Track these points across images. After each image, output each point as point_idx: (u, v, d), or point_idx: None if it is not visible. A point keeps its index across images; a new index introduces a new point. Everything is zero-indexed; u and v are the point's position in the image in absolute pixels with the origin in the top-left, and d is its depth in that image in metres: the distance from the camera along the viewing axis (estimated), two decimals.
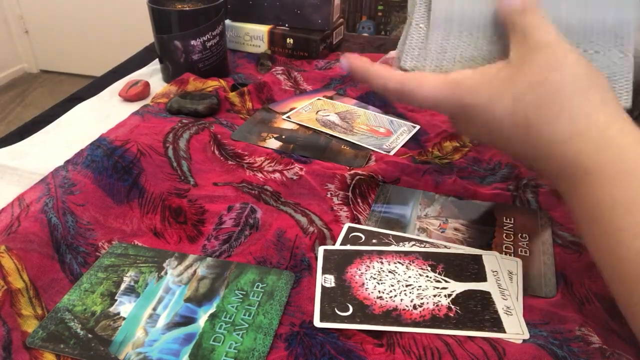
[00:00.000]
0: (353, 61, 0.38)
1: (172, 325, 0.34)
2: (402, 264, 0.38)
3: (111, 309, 0.35)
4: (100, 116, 0.61)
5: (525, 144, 0.33)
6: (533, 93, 0.31)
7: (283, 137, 0.57)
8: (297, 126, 0.60)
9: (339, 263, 0.39)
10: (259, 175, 0.50)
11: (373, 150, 0.55)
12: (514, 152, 0.35)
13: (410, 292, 0.36)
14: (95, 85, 0.71)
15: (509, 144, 0.34)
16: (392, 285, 0.37)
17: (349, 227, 0.43)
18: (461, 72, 0.36)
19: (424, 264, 0.38)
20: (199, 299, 0.36)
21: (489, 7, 0.36)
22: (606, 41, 0.36)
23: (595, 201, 0.29)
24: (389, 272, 0.38)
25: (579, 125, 0.30)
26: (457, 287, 0.36)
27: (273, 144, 0.56)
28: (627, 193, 0.28)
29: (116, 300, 0.35)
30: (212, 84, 0.67)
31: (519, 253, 0.40)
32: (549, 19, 0.33)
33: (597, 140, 0.30)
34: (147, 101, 0.65)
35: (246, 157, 0.53)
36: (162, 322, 0.34)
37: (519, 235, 0.42)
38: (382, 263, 0.39)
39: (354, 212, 0.45)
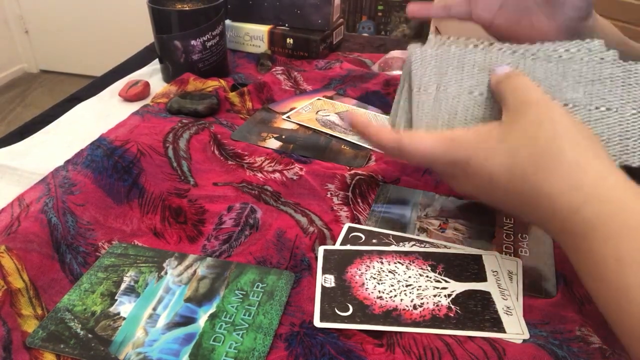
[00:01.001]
0: (353, 118, 0.40)
1: (172, 325, 0.34)
2: (402, 264, 0.38)
3: (111, 309, 0.35)
4: (100, 116, 0.61)
5: (523, 197, 0.33)
6: (527, 147, 0.32)
7: (283, 137, 0.57)
8: (297, 126, 0.60)
9: (339, 263, 0.39)
10: (259, 175, 0.50)
11: (373, 150, 0.55)
12: (513, 208, 0.35)
13: (410, 292, 0.36)
14: (95, 85, 0.71)
15: (506, 199, 0.34)
16: (392, 285, 0.37)
17: (349, 227, 0.43)
18: (454, 130, 0.37)
19: (424, 264, 0.38)
20: (199, 299, 0.36)
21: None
22: (618, 98, 0.36)
23: (600, 257, 0.29)
24: (389, 272, 0.38)
25: (575, 177, 0.30)
26: (457, 287, 0.36)
27: (273, 144, 0.56)
28: (632, 248, 0.28)
29: (116, 300, 0.35)
30: (212, 84, 0.67)
31: (519, 253, 0.40)
32: (533, 82, 0.35)
33: (595, 193, 0.30)
34: (147, 101, 0.65)
35: (246, 157, 0.53)
36: (162, 322, 0.34)
37: (519, 235, 0.42)
38: (382, 263, 0.39)
39: (354, 212, 0.45)
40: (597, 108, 0.36)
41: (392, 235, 0.42)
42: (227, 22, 0.82)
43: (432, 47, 0.40)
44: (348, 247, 0.41)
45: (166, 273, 0.38)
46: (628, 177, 0.30)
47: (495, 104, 0.38)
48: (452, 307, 0.35)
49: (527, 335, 0.33)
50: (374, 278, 0.37)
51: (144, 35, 0.91)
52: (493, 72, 0.38)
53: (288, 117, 0.62)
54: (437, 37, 0.40)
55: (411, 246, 0.41)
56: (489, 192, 0.35)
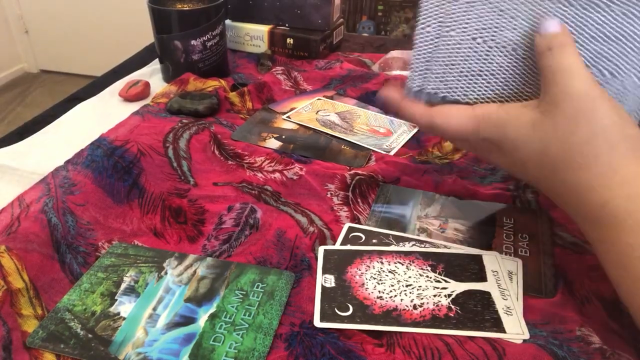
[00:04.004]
0: (387, 94, 0.40)
1: (172, 325, 0.34)
2: (402, 264, 0.38)
3: (111, 309, 0.35)
4: (100, 116, 0.61)
5: (551, 184, 0.34)
6: (561, 143, 0.31)
7: (283, 137, 0.57)
8: (297, 126, 0.60)
9: (339, 263, 0.39)
10: (259, 175, 0.50)
11: (373, 150, 0.55)
12: (540, 188, 0.36)
13: (410, 292, 0.36)
14: (95, 85, 0.71)
15: (535, 181, 0.35)
16: (392, 285, 0.37)
17: (349, 227, 0.43)
18: (487, 106, 0.36)
19: (424, 264, 0.38)
20: (199, 299, 0.36)
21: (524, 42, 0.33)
22: None
23: (625, 248, 0.29)
24: (389, 272, 0.38)
25: (606, 177, 0.30)
26: (457, 287, 0.36)
27: (273, 144, 0.56)
28: None
29: (116, 300, 0.35)
30: (212, 84, 0.67)
31: (519, 253, 0.40)
32: (581, 64, 0.31)
33: (625, 191, 0.30)
34: (147, 101, 0.65)
35: (246, 157, 0.53)
36: (162, 322, 0.34)
37: (519, 235, 0.42)
38: (382, 263, 0.39)
39: (354, 212, 0.45)
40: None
41: (392, 235, 0.42)
42: (227, 22, 0.82)
43: None
44: (348, 247, 0.41)
45: (166, 273, 0.38)
46: None
47: (502, 57, 0.33)
48: (452, 307, 0.35)
49: (527, 336, 0.33)
50: (374, 278, 0.37)
51: (144, 35, 0.91)
52: (538, 30, 0.33)
53: (288, 117, 0.62)
54: None
55: (411, 246, 0.41)
56: (521, 172, 0.36)
